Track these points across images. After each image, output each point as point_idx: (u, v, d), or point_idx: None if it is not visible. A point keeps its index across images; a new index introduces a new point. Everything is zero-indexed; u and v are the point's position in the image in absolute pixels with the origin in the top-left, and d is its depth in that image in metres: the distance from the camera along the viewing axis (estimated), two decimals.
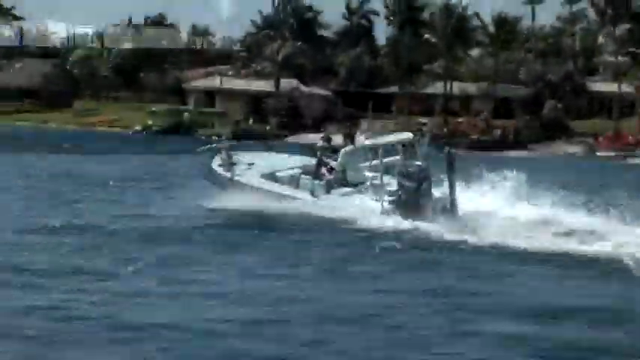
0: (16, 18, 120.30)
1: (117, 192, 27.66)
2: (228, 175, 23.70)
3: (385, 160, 21.96)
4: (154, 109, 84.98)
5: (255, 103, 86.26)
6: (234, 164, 23.88)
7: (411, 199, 20.46)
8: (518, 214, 20.14)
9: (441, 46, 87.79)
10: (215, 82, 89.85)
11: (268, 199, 22.09)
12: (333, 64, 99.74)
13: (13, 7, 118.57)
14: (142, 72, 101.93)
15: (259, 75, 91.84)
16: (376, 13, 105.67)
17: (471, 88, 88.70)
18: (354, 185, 22.44)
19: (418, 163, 21.22)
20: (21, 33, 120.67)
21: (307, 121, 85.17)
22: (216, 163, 24.48)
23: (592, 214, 19.82)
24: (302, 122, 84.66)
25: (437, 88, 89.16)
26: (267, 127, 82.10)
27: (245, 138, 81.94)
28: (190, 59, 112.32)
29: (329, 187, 22.41)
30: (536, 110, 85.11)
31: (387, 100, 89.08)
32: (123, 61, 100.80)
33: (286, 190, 22.76)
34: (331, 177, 22.50)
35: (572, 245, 18.16)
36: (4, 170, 32.91)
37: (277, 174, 23.51)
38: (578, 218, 19.77)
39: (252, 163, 24.02)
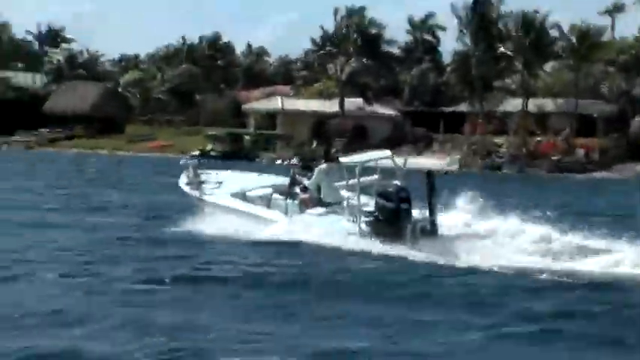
0: (66, 41, 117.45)
1: None
2: (197, 193, 22.80)
3: (362, 179, 20.66)
4: (212, 132, 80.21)
5: (319, 124, 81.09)
6: (202, 182, 22.97)
7: (390, 219, 19.48)
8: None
9: (517, 60, 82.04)
10: (276, 103, 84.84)
11: (239, 220, 21.02)
12: (396, 82, 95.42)
13: (62, 29, 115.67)
14: (197, 94, 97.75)
15: (322, 95, 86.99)
16: (442, 28, 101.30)
17: (549, 104, 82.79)
18: (329, 205, 21.24)
19: (397, 182, 20.07)
20: (70, 56, 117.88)
21: (374, 142, 79.85)
22: (183, 182, 23.50)
23: None
24: (368, 144, 79.34)
25: (510, 105, 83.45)
26: (333, 150, 76.84)
27: (310, 161, 78.30)
28: (247, 79, 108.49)
29: (302, 207, 21.25)
30: (620, 128, 79.11)
31: (458, 119, 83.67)
32: (177, 83, 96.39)
33: (258, 210, 21.62)
34: (305, 196, 21.37)
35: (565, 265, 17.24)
36: None
37: (247, 193, 22.45)
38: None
39: (221, 182, 23.17)
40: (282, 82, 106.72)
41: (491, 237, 19.11)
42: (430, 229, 19.45)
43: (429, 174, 19.56)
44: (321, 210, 21.18)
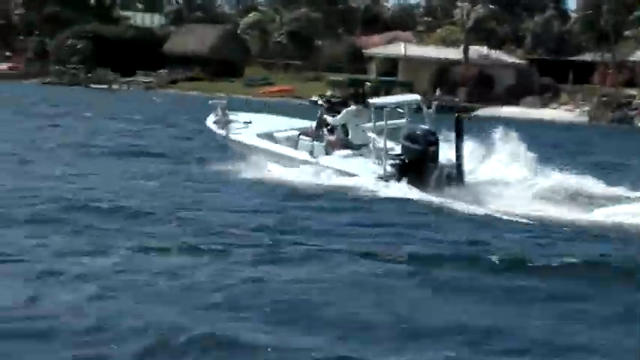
0: None
1: None
2: (223, 132, 22.97)
3: (391, 122, 20.53)
4: (333, 78, 78.61)
5: (442, 72, 78.68)
6: (230, 122, 23.04)
7: (416, 162, 19.45)
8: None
9: None
10: (398, 49, 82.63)
11: (264, 159, 21.24)
12: (517, 30, 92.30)
13: None
14: (316, 38, 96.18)
15: (445, 41, 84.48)
16: None
17: None
18: (357, 147, 21.05)
19: (425, 126, 19.90)
20: None
21: (500, 92, 77.36)
22: (211, 121, 23.70)
23: None
24: (494, 94, 76.92)
25: None
26: (456, 99, 74.64)
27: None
28: (365, 25, 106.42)
29: (329, 149, 21.13)
30: None
31: (586, 69, 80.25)
32: (296, 27, 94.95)
33: (283, 149, 21.63)
34: (332, 138, 21.18)
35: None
36: None
37: (274, 134, 22.46)
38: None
39: (249, 122, 23.26)
40: (401, 27, 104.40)
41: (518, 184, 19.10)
42: (456, 175, 19.35)
43: (458, 119, 19.37)
44: (347, 152, 20.97)
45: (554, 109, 74.65)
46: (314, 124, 22.04)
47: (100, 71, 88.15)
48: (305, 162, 20.83)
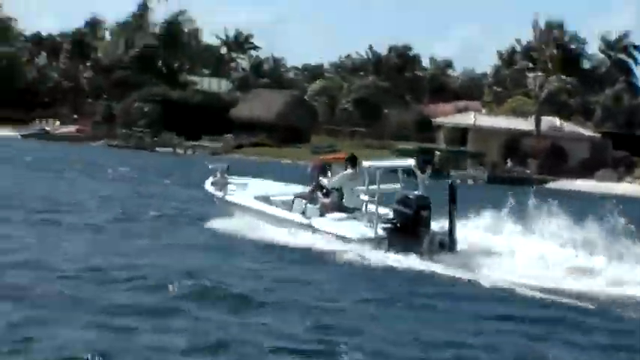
0: (253, 47, 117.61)
1: None
2: (220, 194, 23.26)
3: (384, 186, 20.72)
4: (401, 147, 77.28)
5: (512, 143, 77.00)
6: (227, 184, 23.44)
7: (407, 226, 19.41)
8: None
9: None
10: (468, 118, 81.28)
11: (258, 221, 21.33)
12: (586, 102, 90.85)
13: (250, 36, 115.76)
14: (383, 106, 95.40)
15: (515, 112, 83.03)
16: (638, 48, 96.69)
17: None
18: (351, 210, 21.10)
19: (418, 192, 19.88)
20: (257, 63, 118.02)
21: (572, 164, 75.44)
22: (208, 183, 23.99)
23: None
24: (566, 166, 75.02)
25: None
26: (528, 171, 72.90)
27: (503, 182, 74.72)
28: (432, 93, 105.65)
29: (322, 211, 21.11)
30: None
31: None
32: (363, 95, 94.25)
33: (277, 211, 21.73)
34: (326, 200, 21.29)
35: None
36: None
37: (271, 197, 22.64)
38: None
39: (246, 185, 23.80)
40: (468, 97, 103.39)
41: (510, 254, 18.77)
42: (448, 242, 19.27)
43: (451, 187, 19.33)
44: (340, 215, 21.00)
45: (630, 182, 72.50)
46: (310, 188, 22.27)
47: (166, 135, 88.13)
48: (297, 224, 20.81)
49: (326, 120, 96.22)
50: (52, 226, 21.01)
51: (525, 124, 79.02)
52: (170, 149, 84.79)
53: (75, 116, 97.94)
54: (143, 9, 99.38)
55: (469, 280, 16.89)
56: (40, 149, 67.15)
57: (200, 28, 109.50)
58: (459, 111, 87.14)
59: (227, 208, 22.80)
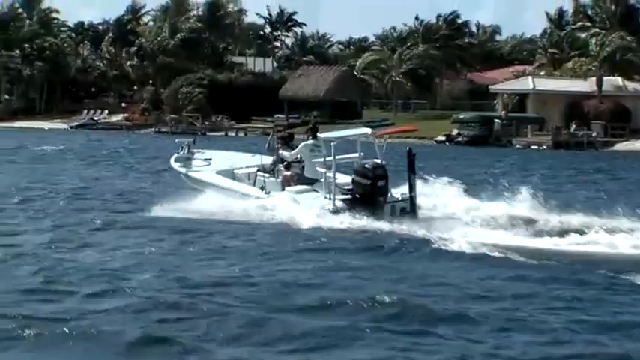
0: (296, 25, 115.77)
1: None
2: (183, 170, 23.47)
3: (344, 156, 21.27)
4: (461, 116, 75.05)
5: (573, 105, 74.28)
6: (191, 159, 23.66)
7: (366, 197, 19.66)
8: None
9: None
10: (525, 83, 78.57)
11: (220, 196, 21.38)
12: None
13: (294, 13, 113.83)
14: (435, 76, 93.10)
15: (575, 73, 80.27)
16: None
17: None
18: (312, 182, 21.26)
19: (376, 160, 20.25)
20: (302, 40, 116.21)
21: (637, 125, 72.68)
22: (173, 159, 24.25)
23: None
24: (631, 126, 72.29)
25: None
26: (593, 134, 70.30)
27: (567, 146, 72.42)
28: (483, 60, 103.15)
29: (284, 184, 21.43)
30: None
31: None
32: (414, 65, 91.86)
33: (239, 186, 22.05)
34: (287, 173, 21.55)
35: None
36: None
37: (235, 171, 22.99)
38: None
39: (210, 159, 23.73)
40: (518, 62, 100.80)
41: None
42: (410, 209, 19.58)
43: (410, 154, 19.48)
44: (300, 188, 21.11)
45: None
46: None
47: (216, 119, 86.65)
48: (257, 198, 20.96)
49: (377, 94, 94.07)
50: None
51: (586, 86, 76.22)
52: (222, 133, 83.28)
53: (122, 105, 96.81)
54: None
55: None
56: (100, 140, 65.98)
57: (243, 7, 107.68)
58: (515, 77, 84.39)
59: (190, 184, 23.00)
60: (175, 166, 23.90)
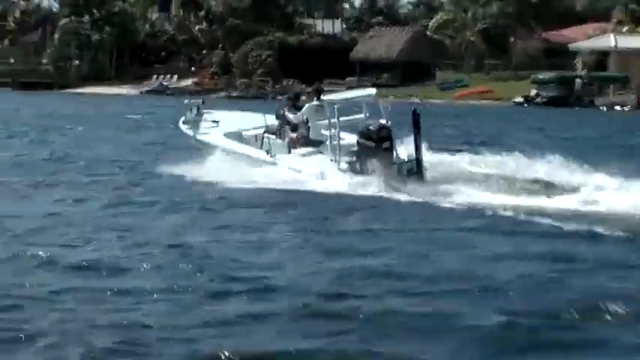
0: None
1: None
2: (191, 132, 23.35)
3: (348, 118, 21.01)
4: (540, 76, 72.93)
5: None
6: (199, 121, 23.37)
7: (371, 158, 19.32)
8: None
9: None
10: (607, 41, 76.05)
11: (228, 159, 21.38)
12: None
13: None
14: (510, 35, 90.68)
15: None
16: None
17: None
18: (318, 144, 21.19)
19: (382, 121, 20.01)
20: (370, 1, 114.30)
21: None
22: (181, 120, 24.07)
23: None
24: None
25: None
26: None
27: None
28: (557, 17, 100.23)
29: (290, 146, 21.28)
30: None
31: None
32: (489, 24, 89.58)
33: (243, 149, 21.90)
34: (293, 135, 21.36)
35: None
36: None
37: (243, 133, 22.76)
38: None
39: (218, 121, 23.37)
40: (594, 19, 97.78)
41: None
42: (417, 170, 19.34)
43: (415, 114, 19.16)
44: (306, 150, 21.02)
45: None
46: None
47: (287, 82, 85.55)
48: (263, 162, 20.88)
49: (450, 54, 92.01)
50: None
51: None
52: None
53: (192, 69, 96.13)
54: None
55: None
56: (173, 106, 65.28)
57: None
58: (593, 35, 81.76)
59: (198, 147, 22.86)
60: (184, 128, 23.81)
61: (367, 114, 20.95)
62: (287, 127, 21.71)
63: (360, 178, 19.00)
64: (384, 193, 18.13)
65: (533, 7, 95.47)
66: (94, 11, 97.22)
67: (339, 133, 20.17)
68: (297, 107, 21.98)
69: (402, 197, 17.73)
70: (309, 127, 21.47)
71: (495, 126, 46.59)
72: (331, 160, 19.97)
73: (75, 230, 14.36)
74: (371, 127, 19.81)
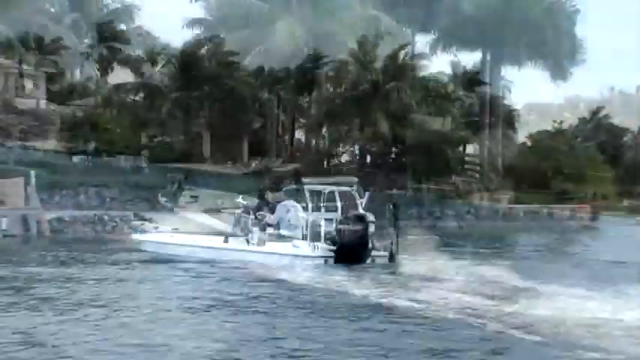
0: (479, 84, 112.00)
1: None
2: (169, 205, 25.90)
3: (325, 204, 22.18)
4: None
5: None
6: (177, 195, 26.16)
7: (351, 244, 20.51)
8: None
9: None
10: None
11: (204, 233, 23.85)
12: None
13: (478, 72, 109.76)
14: None
15: None
16: None
17: None
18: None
19: (361, 211, 21.41)
20: (481, 99, 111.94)
21: None
22: (160, 194, 24.39)
23: None
24: None
25: None
26: None
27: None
28: None
29: (264, 230, 22.64)
30: None
31: None
32: None
33: (223, 227, 24.34)
34: (272, 217, 22.91)
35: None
36: None
37: (222, 210, 25.95)
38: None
39: (197, 197, 26.02)
40: None
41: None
42: (389, 259, 21.21)
43: (395, 206, 21.09)
44: (286, 232, 22.47)
45: None
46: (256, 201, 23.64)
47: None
48: (241, 250, 22.03)
49: None
50: None
51: None
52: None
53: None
54: (370, 43, 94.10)
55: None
56: None
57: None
58: None
59: (179, 219, 23.88)
60: (162, 200, 25.72)
61: (344, 202, 22.52)
62: (266, 209, 23.55)
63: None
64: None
65: None
66: (205, 87, 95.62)
67: (319, 221, 22.06)
68: (268, 205, 23.42)
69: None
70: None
71: None
72: (309, 247, 21.59)
73: None
74: (349, 217, 21.47)
